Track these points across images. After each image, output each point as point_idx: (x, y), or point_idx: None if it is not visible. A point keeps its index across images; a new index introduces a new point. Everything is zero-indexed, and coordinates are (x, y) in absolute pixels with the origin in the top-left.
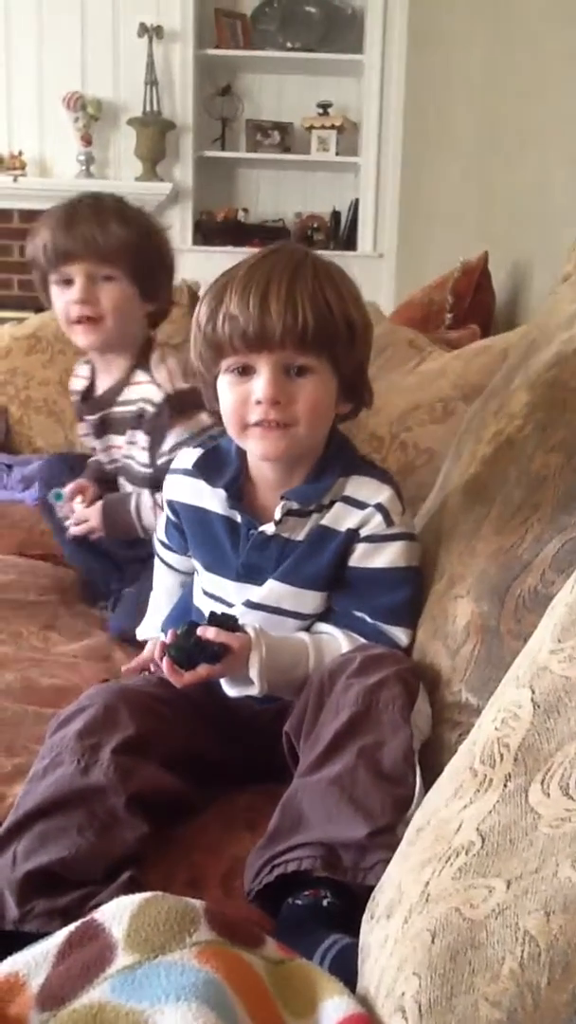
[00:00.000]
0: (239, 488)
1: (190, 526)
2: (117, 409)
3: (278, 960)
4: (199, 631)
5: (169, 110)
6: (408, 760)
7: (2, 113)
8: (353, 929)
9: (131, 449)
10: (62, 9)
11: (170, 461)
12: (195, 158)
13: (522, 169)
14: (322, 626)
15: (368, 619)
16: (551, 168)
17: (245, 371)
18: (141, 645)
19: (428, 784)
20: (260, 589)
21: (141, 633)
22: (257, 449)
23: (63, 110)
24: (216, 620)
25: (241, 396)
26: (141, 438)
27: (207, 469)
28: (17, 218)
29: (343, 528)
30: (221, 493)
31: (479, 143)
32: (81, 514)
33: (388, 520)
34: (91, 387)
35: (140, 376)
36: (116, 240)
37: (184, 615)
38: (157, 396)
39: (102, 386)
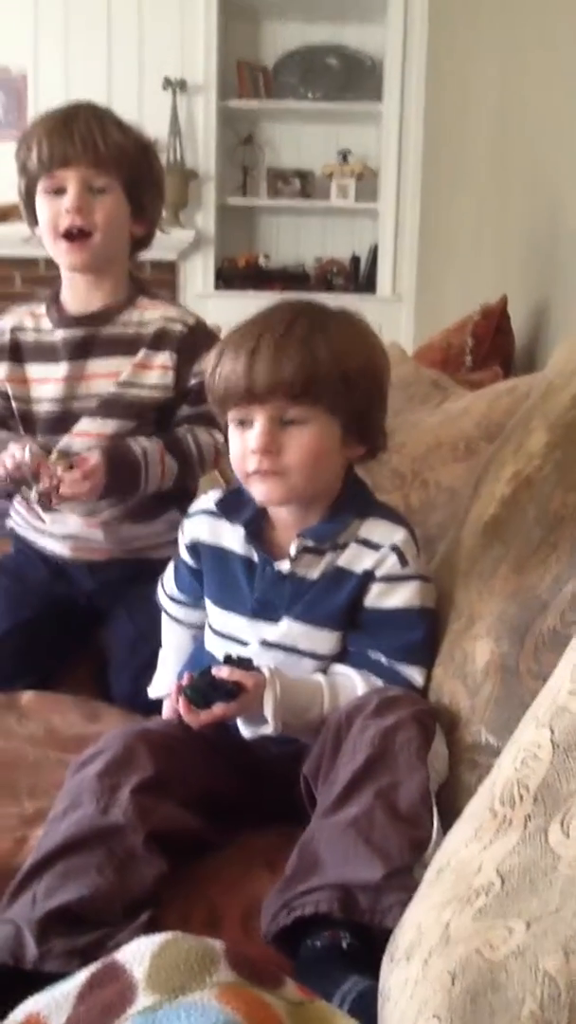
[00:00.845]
0: (257, 526)
1: (208, 565)
2: (114, 329)
3: (298, 1001)
4: (213, 671)
5: (192, 159)
6: (425, 801)
7: None
8: (372, 970)
9: (136, 372)
10: (89, 63)
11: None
12: (217, 206)
13: (537, 214)
14: (338, 667)
15: (384, 659)
16: (565, 213)
17: (245, 423)
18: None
19: (447, 825)
20: (276, 628)
21: (154, 692)
22: (256, 496)
23: None
24: (231, 661)
25: (241, 446)
26: (165, 357)
27: (228, 508)
28: (43, 266)
29: (359, 569)
30: (240, 531)
31: (495, 188)
32: (77, 474)
33: (403, 561)
34: (59, 307)
35: (149, 300)
36: (115, 147)
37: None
38: (189, 318)
39: (86, 306)
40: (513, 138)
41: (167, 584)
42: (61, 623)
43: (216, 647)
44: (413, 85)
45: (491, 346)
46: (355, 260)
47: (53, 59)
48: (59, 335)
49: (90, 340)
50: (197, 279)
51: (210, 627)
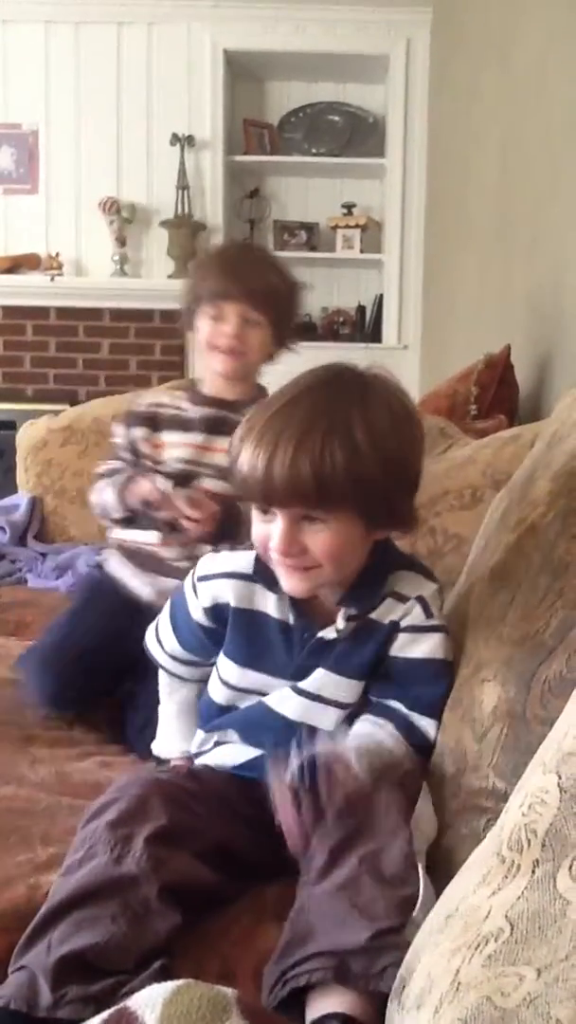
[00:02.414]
0: (292, 597)
1: (238, 628)
2: (241, 417)
3: None
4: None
5: (200, 212)
6: (409, 860)
7: (42, 217)
8: None
9: None
10: (99, 120)
11: None
12: None
13: (538, 265)
14: (363, 726)
15: (403, 709)
16: (568, 265)
17: (266, 511)
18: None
19: (453, 871)
20: (308, 679)
21: (161, 751)
22: (284, 587)
23: (99, 213)
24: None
25: (264, 534)
26: None
27: (264, 574)
28: (54, 315)
29: (386, 620)
30: (278, 598)
31: (496, 241)
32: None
33: (427, 612)
34: (196, 393)
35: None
36: (270, 290)
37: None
38: None
39: (226, 394)
40: (515, 190)
41: (167, 643)
42: (118, 659)
43: (228, 698)
44: (415, 140)
45: (495, 395)
46: (361, 310)
47: (64, 116)
48: (197, 411)
49: (222, 420)
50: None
51: (222, 681)
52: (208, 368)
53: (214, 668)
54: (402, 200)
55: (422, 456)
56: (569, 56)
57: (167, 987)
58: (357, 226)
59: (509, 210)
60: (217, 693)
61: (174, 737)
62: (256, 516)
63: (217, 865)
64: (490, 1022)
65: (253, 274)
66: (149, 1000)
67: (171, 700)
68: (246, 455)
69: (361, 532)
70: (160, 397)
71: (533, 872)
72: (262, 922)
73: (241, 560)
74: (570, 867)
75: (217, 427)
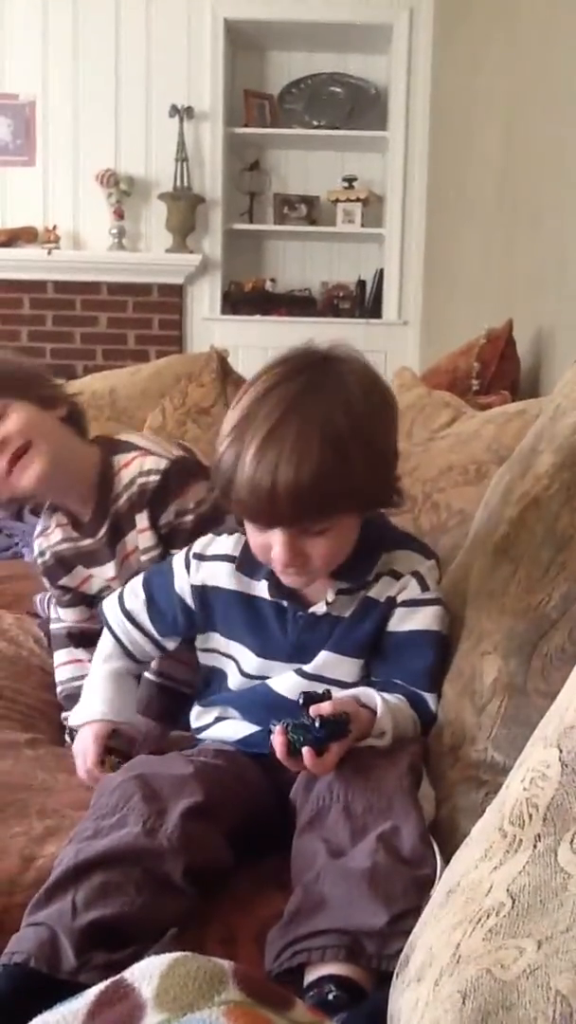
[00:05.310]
0: (278, 581)
1: (233, 612)
2: (121, 503)
3: (308, 1023)
4: (313, 711)
5: (199, 185)
6: (425, 841)
7: (39, 189)
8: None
9: (142, 537)
10: (97, 91)
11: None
12: (224, 230)
13: (541, 239)
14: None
15: (404, 684)
16: (570, 237)
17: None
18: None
19: (453, 845)
20: (311, 661)
21: (76, 719)
22: (286, 583)
23: (97, 186)
24: (315, 698)
25: (262, 545)
26: (142, 519)
27: (247, 564)
28: (51, 289)
29: (383, 597)
30: (263, 584)
31: (500, 213)
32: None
33: (423, 585)
34: (74, 521)
35: (121, 459)
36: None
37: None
38: (159, 463)
39: (89, 506)
40: (519, 162)
41: (131, 605)
42: None
43: (240, 685)
44: (418, 112)
45: (497, 370)
46: (361, 284)
47: (62, 86)
48: (89, 539)
49: (117, 519)
50: (204, 303)
51: (241, 671)
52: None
53: (225, 657)
54: (404, 173)
55: (396, 426)
56: (575, 26)
57: (163, 959)
58: (358, 200)
59: (512, 183)
60: (233, 680)
61: (96, 700)
62: (250, 528)
63: (237, 842)
64: (490, 994)
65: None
66: (145, 972)
67: (105, 665)
68: (244, 476)
69: (356, 528)
70: (54, 537)
71: (535, 846)
72: (262, 889)
73: (232, 544)
74: (571, 841)
75: (117, 533)
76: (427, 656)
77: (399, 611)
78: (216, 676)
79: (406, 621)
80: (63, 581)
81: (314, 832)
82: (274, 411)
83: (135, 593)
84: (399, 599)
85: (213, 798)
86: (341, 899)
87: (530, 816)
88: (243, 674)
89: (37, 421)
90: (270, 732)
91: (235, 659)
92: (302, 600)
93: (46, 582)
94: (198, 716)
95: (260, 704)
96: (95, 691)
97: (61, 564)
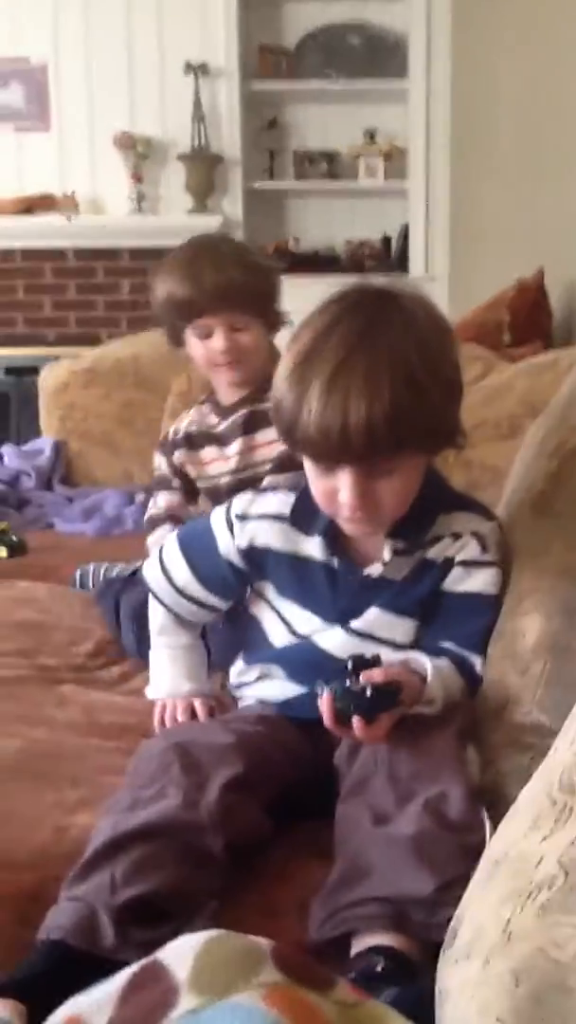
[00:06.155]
0: (334, 532)
1: (282, 572)
2: (265, 406)
3: (351, 1003)
4: (364, 679)
5: (217, 144)
6: (474, 807)
7: (55, 156)
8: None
9: (269, 449)
10: (108, 51)
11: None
12: (244, 190)
13: (570, 185)
14: (413, 654)
15: (455, 648)
16: None
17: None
18: None
19: (499, 812)
20: (360, 618)
21: (160, 691)
22: (348, 530)
23: (113, 150)
24: (364, 663)
25: (327, 490)
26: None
27: (301, 519)
28: (72, 257)
29: (441, 558)
30: (317, 540)
31: (528, 161)
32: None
33: (484, 546)
34: (215, 403)
35: None
36: (244, 290)
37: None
38: None
39: (244, 394)
40: (545, 107)
41: (178, 576)
42: None
43: (288, 643)
44: (439, 60)
45: (528, 320)
46: (386, 240)
47: (73, 48)
48: (226, 421)
49: (251, 415)
50: None
51: (289, 628)
52: (217, 381)
53: (274, 614)
54: (426, 124)
55: (459, 356)
56: None
57: (198, 939)
58: (380, 153)
59: (539, 129)
60: (278, 637)
61: (176, 679)
62: (315, 472)
63: (276, 812)
64: (544, 975)
65: (217, 277)
66: (180, 953)
67: (165, 646)
68: (312, 414)
69: (424, 464)
70: (189, 418)
71: None
72: (303, 857)
73: (280, 503)
74: None
75: (252, 424)
76: (481, 619)
77: (456, 570)
78: (260, 629)
79: (463, 582)
80: (181, 459)
81: (358, 798)
82: (339, 347)
83: (176, 562)
84: (457, 559)
85: (254, 769)
86: (386, 866)
87: None
88: (292, 633)
89: (263, 345)
90: (315, 695)
91: (284, 617)
92: (356, 560)
93: (163, 461)
94: (240, 672)
95: (305, 662)
96: (165, 672)
97: (188, 442)
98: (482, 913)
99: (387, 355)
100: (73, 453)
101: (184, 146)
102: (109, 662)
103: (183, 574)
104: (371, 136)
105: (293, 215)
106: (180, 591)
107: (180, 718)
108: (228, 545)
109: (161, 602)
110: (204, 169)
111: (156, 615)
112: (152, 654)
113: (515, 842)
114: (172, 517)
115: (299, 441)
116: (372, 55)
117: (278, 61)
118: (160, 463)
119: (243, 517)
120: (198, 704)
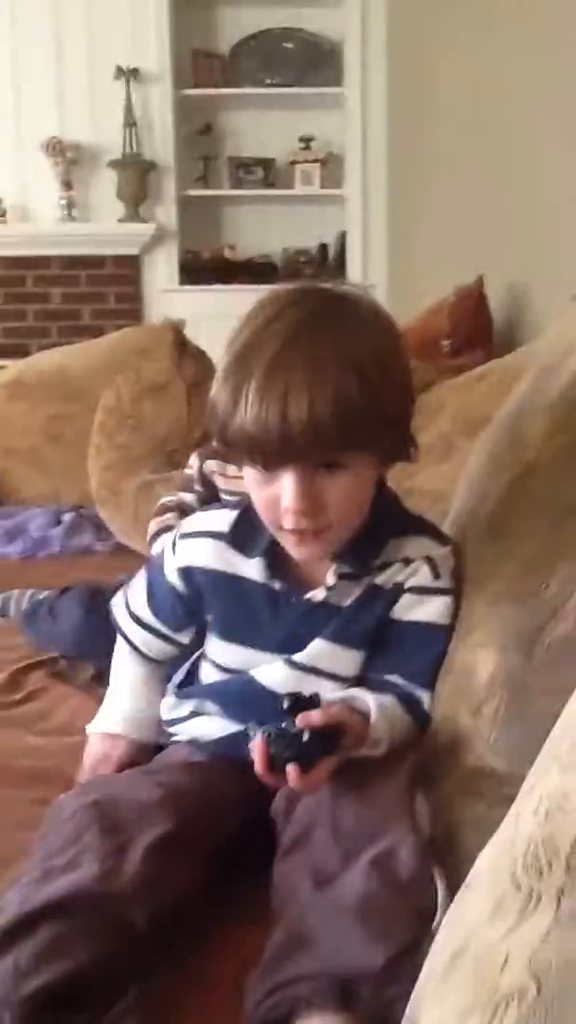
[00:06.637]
0: (275, 554)
1: (216, 596)
2: None
3: None
4: (301, 722)
5: (149, 151)
6: (424, 862)
7: None
8: None
9: None
10: (37, 55)
11: None
12: (178, 198)
13: (509, 188)
14: (355, 691)
15: (401, 682)
16: (541, 187)
17: (270, 470)
18: None
19: (453, 866)
20: (302, 651)
21: (92, 727)
22: (293, 554)
23: (42, 156)
24: (302, 703)
25: (269, 499)
26: None
27: (240, 539)
28: (0, 265)
29: (390, 584)
30: (256, 561)
31: (465, 167)
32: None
33: (436, 573)
34: None
35: None
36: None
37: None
38: None
39: None
40: (483, 112)
41: (134, 604)
42: None
43: (217, 679)
44: (375, 66)
45: (470, 328)
46: (323, 248)
47: (1, 51)
48: None
49: None
50: (160, 274)
51: (211, 661)
52: None
53: (208, 644)
54: (363, 131)
55: (409, 362)
56: None
57: None
58: (316, 160)
59: (477, 134)
60: (207, 673)
61: (115, 714)
62: (256, 480)
63: (212, 869)
64: None
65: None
66: None
67: (124, 677)
68: (248, 410)
69: (374, 473)
70: None
71: (558, 904)
72: (241, 923)
73: (220, 519)
74: None
75: None
76: (430, 652)
77: (406, 597)
78: (193, 661)
79: (412, 610)
80: (213, 468)
81: (298, 856)
82: (279, 338)
83: (137, 590)
84: (407, 584)
85: (185, 825)
86: (330, 936)
87: (549, 864)
88: (226, 666)
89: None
90: (248, 737)
91: (218, 648)
92: (298, 584)
93: (196, 464)
94: (172, 707)
95: (242, 698)
96: (115, 699)
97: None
98: (441, 1022)
99: (332, 347)
100: None
101: (116, 152)
102: (25, 698)
103: (139, 600)
104: (307, 143)
105: (229, 223)
106: (134, 618)
107: (100, 769)
108: (171, 567)
109: (122, 633)
110: (136, 176)
111: (119, 649)
112: (112, 682)
113: (474, 930)
114: (182, 508)
115: (235, 441)
116: (308, 61)
117: (211, 66)
118: (193, 464)
119: (185, 535)
120: (114, 755)
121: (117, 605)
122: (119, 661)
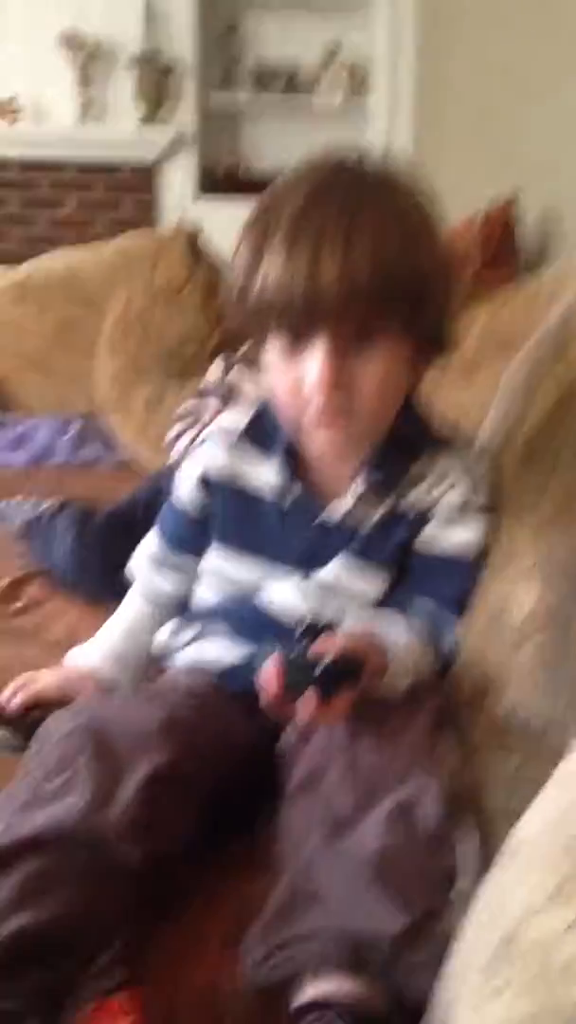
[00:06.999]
0: (293, 460)
1: (228, 500)
2: None
3: None
4: (319, 648)
5: (169, 50)
6: (448, 815)
7: None
8: None
9: None
10: None
11: None
12: (199, 101)
13: (552, 104)
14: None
15: (429, 610)
16: None
17: (297, 343)
18: None
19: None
20: (323, 568)
21: (73, 658)
22: (317, 442)
23: (58, 51)
24: (316, 630)
25: (293, 383)
26: None
27: (259, 432)
28: (15, 168)
29: (421, 500)
30: (275, 461)
31: (502, 80)
32: None
33: (474, 491)
34: None
35: None
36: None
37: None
38: None
39: None
40: (524, 15)
41: (149, 544)
42: None
43: (224, 596)
44: None
45: (499, 244)
46: None
47: None
48: None
49: None
50: (176, 183)
51: (223, 577)
52: None
53: (216, 558)
54: (391, 38)
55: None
56: None
57: None
58: (343, 67)
59: (515, 40)
60: (214, 591)
61: (100, 649)
62: (278, 359)
63: (211, 812)
64: None
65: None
66: None
67: (124, 616)
68: (272, 265)
69: (407, 361)
70: None
71: None
72: (240, 874)
73: (238, 417)
74: None
75: None
76: (463, 579)
77: (438, 519)
78: (199, 580)
79: (445, 531)
80: (238, 376)
81: (308, 799)
82: (312, 181)
83: (152, 531)
84: (443, 500)
85: (183, 758)
86: (342, 892)
87: None
88: (236, 581)
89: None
90: (257, 663)
91: (227, 562)
92: (317, 493)
93: (219, 373)
94: (174, 631)
95: (256, 620)
96: (104, 638)
97: (252, 362)
98: None
99: (373, 195)
100: (1, 377)
101: (135, 48)
102: (23, 608)
103: (152, 536)
104: (333, 51)
105: (249, 130)
106: (150, 558)
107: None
108: (193, 477)
109: (135, 574)
110: (156, 75)
111: (129, 594)
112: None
113: (528, 916)
114: (198, 418)
115: (256, 310)
116: None
117: None
118: (215, 372)
119: (201, 441)
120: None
121: (136, 561)
122: (126, 603)
